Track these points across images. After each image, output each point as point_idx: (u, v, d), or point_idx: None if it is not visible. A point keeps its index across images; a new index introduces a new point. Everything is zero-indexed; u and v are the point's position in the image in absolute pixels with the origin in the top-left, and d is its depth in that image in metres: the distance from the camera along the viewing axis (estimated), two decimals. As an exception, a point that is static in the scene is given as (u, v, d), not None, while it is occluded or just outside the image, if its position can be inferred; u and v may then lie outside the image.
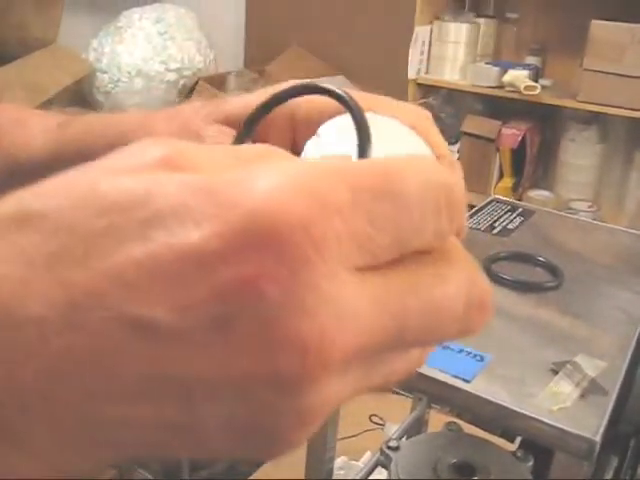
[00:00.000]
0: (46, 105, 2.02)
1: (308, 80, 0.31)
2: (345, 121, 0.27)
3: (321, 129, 0.30)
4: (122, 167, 0.17)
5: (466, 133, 2.24)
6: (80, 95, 2.20)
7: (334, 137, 0.29)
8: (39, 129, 0.44)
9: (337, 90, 0.27)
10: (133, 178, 0.17)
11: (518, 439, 1.48)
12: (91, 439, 0.17)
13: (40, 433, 0.16)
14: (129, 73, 2.14)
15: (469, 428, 1.12)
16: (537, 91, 2.02)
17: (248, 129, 0.31)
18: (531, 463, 0.77)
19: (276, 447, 0.17)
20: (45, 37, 2.08)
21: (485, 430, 1.29)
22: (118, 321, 0.15)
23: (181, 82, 2.24)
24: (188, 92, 2.26)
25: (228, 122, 0.36)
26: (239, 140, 0.31)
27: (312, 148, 0.29)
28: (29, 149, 0.43)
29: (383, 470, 0.90)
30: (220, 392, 0.16)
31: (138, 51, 2.15)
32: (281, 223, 0.15)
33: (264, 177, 0.16)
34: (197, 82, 2.25)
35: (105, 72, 2.15)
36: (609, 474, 0.84)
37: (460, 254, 0.19)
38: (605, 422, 0.51)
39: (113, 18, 2.24)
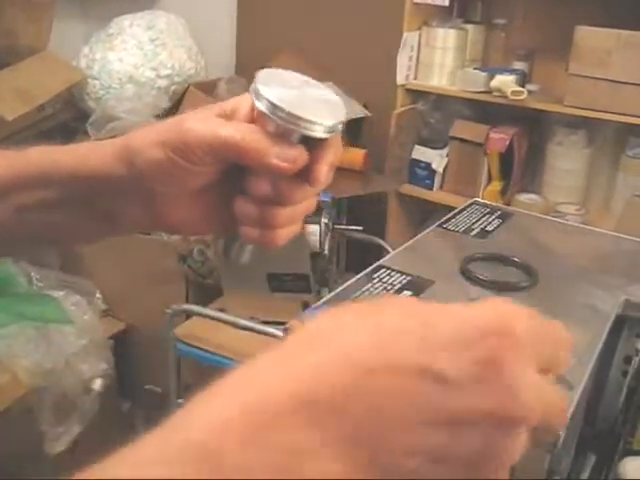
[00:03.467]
0: (37, 112, 2.03)
1: None
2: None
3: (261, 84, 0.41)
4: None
5: (455, 138, 2.26)
6: (71, 102, 2.21)
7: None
8: None
9: None
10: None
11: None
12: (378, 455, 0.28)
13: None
14: (120, 80, 2.16)
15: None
16: (524, 96, 2.04)
17: None
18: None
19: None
20: (36, 44, 2.09)
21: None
22: (422, 373, 0.28)
23: (172, 88, 2.25)
24: (179, 98, 2.28)
25: (183, 150, 0.41)
26: None
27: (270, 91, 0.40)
28: None
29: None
30: (469, 423, 0.28)
31: (129, 58, 2.17)
32: (516, 335, 0.29)
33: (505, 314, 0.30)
34: (188, 88, 2.27)
35: (96, 79, 2.17)
36: (587, 471, 0.86)
37: None
38: (570, 415, 0.52)
39: (104, 25, 2.26)
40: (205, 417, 0.26)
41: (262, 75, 0.41)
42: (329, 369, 0.27)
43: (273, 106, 0.39)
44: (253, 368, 0.28)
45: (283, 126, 0.40)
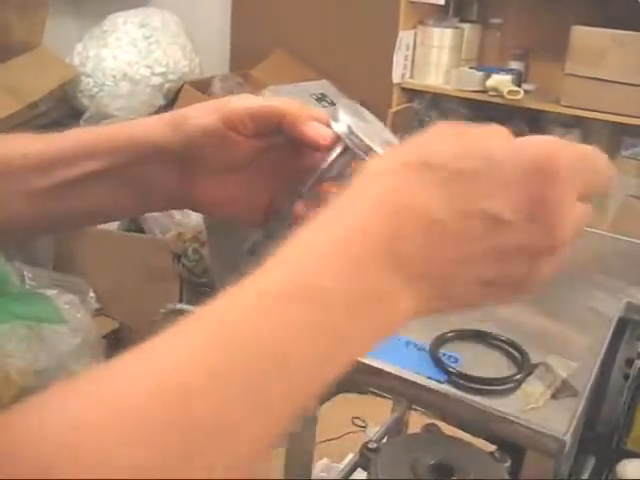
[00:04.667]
0: (30, 109, 2.01)
1: None
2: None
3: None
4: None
5: (450, 137, 2.25)
6: (65, 99, 2.20)
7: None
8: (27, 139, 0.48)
9: None
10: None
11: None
12: (440, 292, 0.33)
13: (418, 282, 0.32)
14: (114, 77, 2.14)
15: (453, 431, 1.12)
16: (520, 96, 2.04)
17: None
18: (508, 463, 0.78)
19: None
20: (29, 41, 2.07)
21: (469, 433, 1.30)
22: (478, 215, 0.32)
23: (166, 86, 2.24)
24: (173, 96, 2.26)
25: (231, 118, 0.45)
26: None
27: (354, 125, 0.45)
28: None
29: (363, 472, 0.91)
30: (519, 254, 0.33)
31: (123, 55, 2.15)
32: (560, 167, 0.33)
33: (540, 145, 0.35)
34: (182, 86, 2.26)
35: (90, 76, 2.15)
36: (586, 474, 0.85)
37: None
38: (575, 421, 0.52)
39: (98, 22, 2.24)
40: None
41: (342, 102, 0.47)
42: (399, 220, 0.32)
43: (349, 131, 0.45)
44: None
45: (352, 149, 0.45)
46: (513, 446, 0.82)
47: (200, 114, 0.46)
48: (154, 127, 0.46)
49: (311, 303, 0.29)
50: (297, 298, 0.29)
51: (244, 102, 0.46)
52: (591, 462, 0.87)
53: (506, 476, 0.78)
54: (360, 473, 0.87)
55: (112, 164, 0.46)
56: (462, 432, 1.28)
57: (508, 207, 0.32)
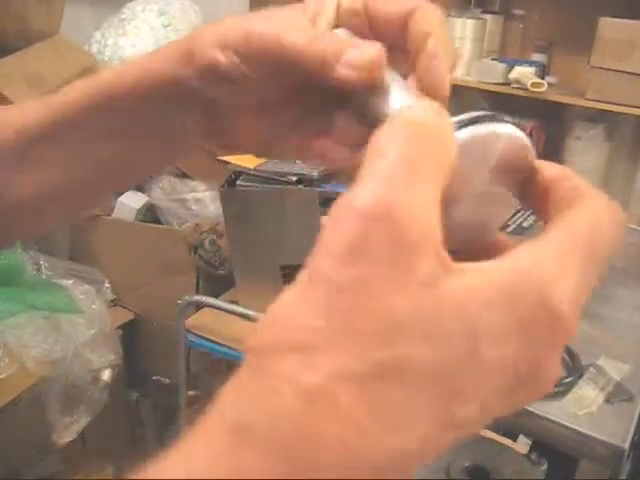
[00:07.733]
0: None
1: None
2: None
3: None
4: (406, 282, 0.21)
5: (471, 130, 2.22)
6: (82, 87, 2.18)
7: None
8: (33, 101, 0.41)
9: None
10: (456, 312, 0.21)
11: (520, 437, 1.47)
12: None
13: None
14: (132, 66, 2.12)
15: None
16: (544, 88, 2.00)
17: None
18: (545, 467, 0.76)
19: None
20: (47, 29, 2.05)
21: (487, 429, 1.28)
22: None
23: (184, 75, 2.22)
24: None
25: (254, 54, 0.34)
26: None
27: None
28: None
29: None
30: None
31: (141, 43, 2.13)
32: (564, 326, 0.22)
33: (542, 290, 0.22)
34: (200, 76, 2.24)
35: (108, 64, 2.13)
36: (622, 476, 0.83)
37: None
38: (633, 428, 0.49)
39: (116, 10, 2.22)
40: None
41: None
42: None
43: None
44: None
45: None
46: (548, 448, 0.80)
47: (206, 48, 0.35)
48: (170, 63, 0.36)
49: None
50: None
51: (262, 32, 0.34)
52: (626, 467, 0.85)
53: (542, 478, 0.76)
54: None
55: (131, 114, 0.38)
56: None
57: (484, 409, 0.22)
